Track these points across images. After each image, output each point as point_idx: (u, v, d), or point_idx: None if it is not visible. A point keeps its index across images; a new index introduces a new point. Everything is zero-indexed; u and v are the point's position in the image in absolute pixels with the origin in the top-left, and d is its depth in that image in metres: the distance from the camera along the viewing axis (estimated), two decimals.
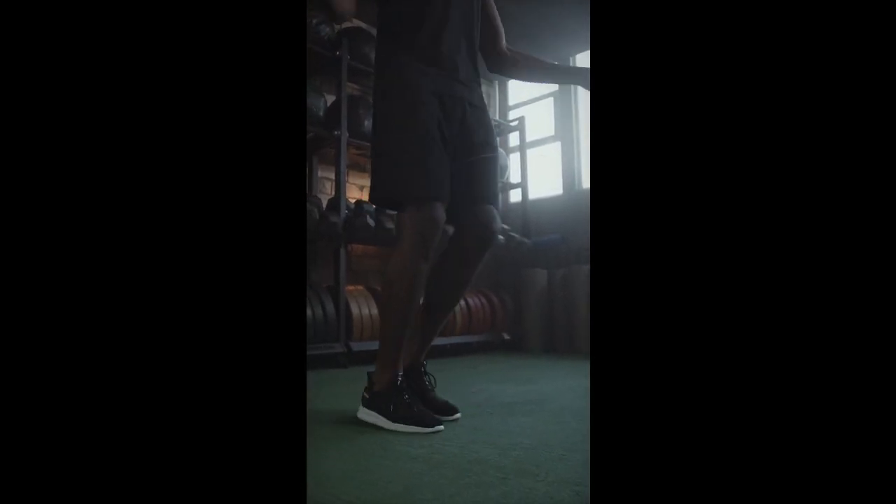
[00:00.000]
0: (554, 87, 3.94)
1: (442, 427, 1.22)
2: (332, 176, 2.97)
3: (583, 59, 3.83)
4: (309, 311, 2.49)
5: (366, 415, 1.30)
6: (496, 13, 1.56)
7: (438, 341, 2.57)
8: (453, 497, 0.78)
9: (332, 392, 1.87)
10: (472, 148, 1.37)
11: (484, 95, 1.48)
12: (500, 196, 1.45)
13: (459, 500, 0.77)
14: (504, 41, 1.57)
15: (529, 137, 3.97)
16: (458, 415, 1.34)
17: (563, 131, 3.89)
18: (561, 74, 1.60)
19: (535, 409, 1.46)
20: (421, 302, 1.38)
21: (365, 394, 1.32)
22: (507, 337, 3.40)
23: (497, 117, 4.09)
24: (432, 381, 1.42)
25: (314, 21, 2.71)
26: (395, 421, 1.24)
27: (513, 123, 3.98)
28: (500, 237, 3.38)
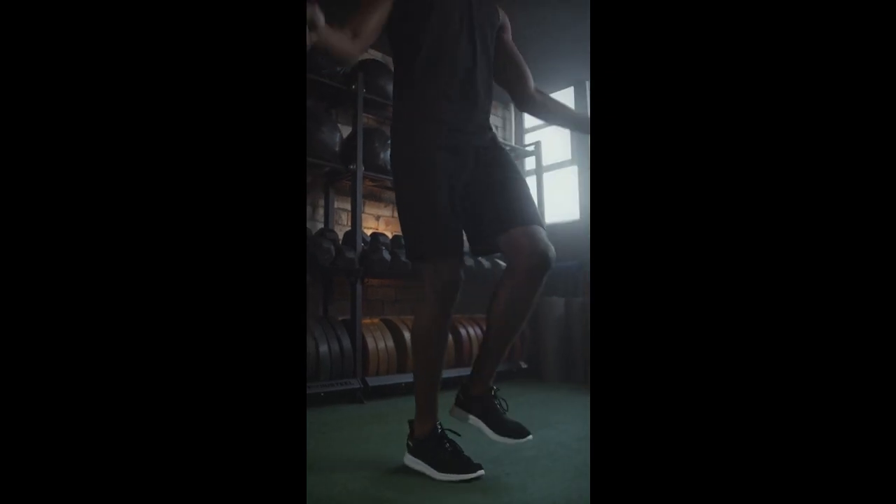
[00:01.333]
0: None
1: (483, 472, 1.30)
2: (349, 206, 2.98)
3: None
4: (325, 348, 2.49)
5: (413, 462, 1.40)
6: (520, 58, 1.58)
7: (452, 373, 2.55)
8: None
9: (348, 438, 1.86)
10: (496, 181, 1.40)
11: (500, 120, 1.51)
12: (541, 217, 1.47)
13: None
14: (532, 83, 1.59)
15: (546, 162, 3.95)
16: (530, 436, 1.39)
17: (580, 155, 3.86)
18: (583, 122, 1.60)
19: (552, 467, 1.43)
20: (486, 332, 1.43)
21: (409, 442, 1.42)
22: (524, 365, 3.37)
23: (513, 142, 4.08)
24: (503, 405, 1.45)
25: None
26: (441, 471, 1.32)
27: (529, 148, 3.97)
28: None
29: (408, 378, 2.61)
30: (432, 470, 1.34)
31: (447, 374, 3.02)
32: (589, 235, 2.51)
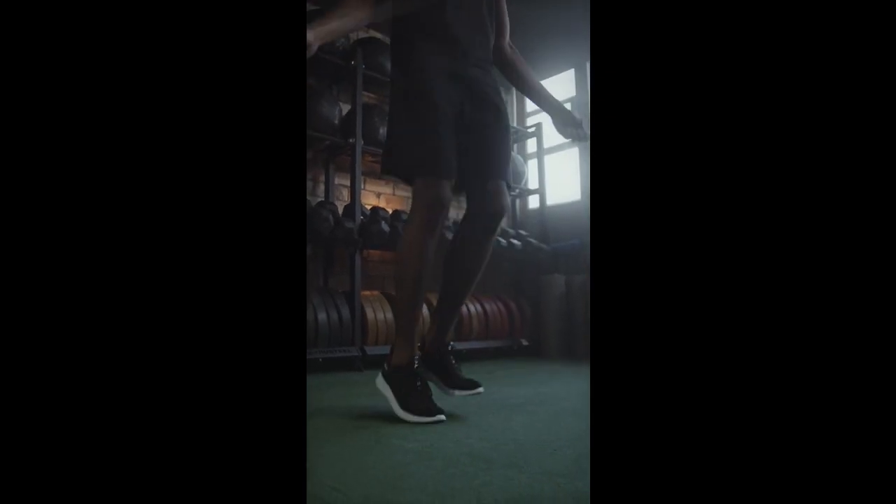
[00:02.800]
0: (572, 92, 3.94)
1: (443, 417, 1.28)
2: (349, 182, 3.02)
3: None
4: (324, 316, 2.53)
5: (382, 386, 1.39)
6: (505, 8, 1.60)
7: (455, 345, 2.57)
8: (435, 486, 0.79)
9: (343, 393, 1.89)
10: (484, 125, 1.42)
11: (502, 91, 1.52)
12: (511, 171, 1.49)
13: (440, 489, 0.78)
14: (507, 38, 1.61)
15: (547, 143, 3.96)
16: (481, 389, 1.43)
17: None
18: (542, 99, 1.62)
19: (537, 409, 1.45)
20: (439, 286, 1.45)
21: (385, 365, 1.43)
22: (525, 343, 3.38)
23: (514, 124, 4.10)
24: (455, 361, 1.49)
25: None
26: (403, 409, 1.32)
27: (530, 129, 3.99)
28: (516, 242, 3.38)
29: None
30: (395, 403, 1.34)
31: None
32: (588, 216, 2.50)
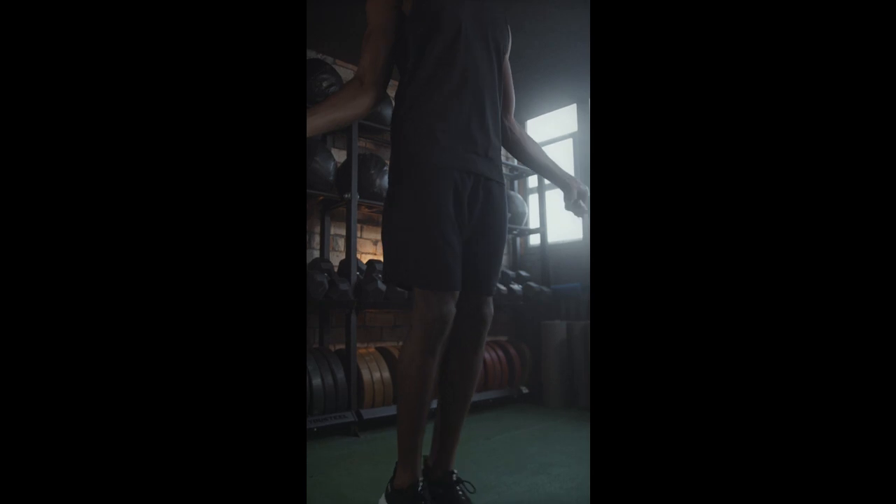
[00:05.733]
0: (573, 127, 3.86)
1: None
2: (344, 232, 2.95)
3: None
4: (318, 381, 2.47)
5: None
6: (511, 83, 1.50)
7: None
8: None
9: (341, 474, 1.83)
10: (481, 233, 1.33)
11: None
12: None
13: None
14: (512, 114, 1.52)
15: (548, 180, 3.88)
16: None
17: (583, 173, 3.80)
18: (552, 174, 1.53)
19: None
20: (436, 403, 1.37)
21: (389, 485, 1.33)
22: (525, 390, 3.32)
23: (515, 161, 4.02)
24: (466, 490, 1.37)
25: (325, 83, 2.70)
26: None
27: None
28: (516, 287, 3.30)
29: None
30: None
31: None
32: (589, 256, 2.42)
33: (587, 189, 1.52)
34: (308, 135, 1.17)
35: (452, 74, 1.28)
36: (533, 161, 1.54)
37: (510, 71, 1.49)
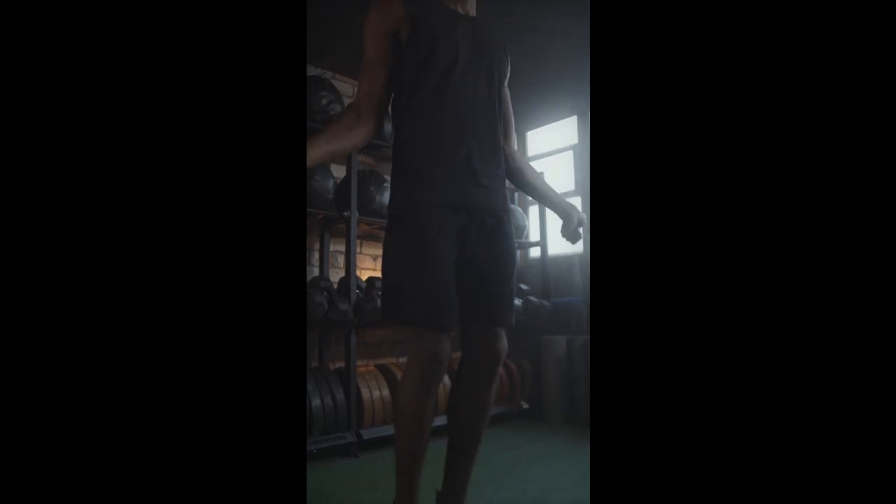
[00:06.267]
0: (573, 139, 3.84)
1: None
2: (344, 248, 2.94)
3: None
4: (318, 401, 2.45)
5: None
6: (510, 109, 1.47)
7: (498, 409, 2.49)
8: None
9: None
10: (486, 260, 1.30)
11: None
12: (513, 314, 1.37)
13: None
14: (512, 140, 1.49)
15: None
16: None
17: (584, 185, 3.78)
18: (552, 203, 1.51)
19: None
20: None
21: None
22: (525, 406, 3.30)
23: None
24: None
25: (324, 101, 2.69)
26: None
27: None
28: (517, 301, 3.29)
29: None
30: None
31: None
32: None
33: (586, 218, 1.50)
34: (308, 164, 1.15)
35: (450, 103, 1.26)
36: (533, 189, 1.52)
37: (509, 97, 1.47)
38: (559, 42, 2.89)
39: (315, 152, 1.17)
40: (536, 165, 4.07)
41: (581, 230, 1.51)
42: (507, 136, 1.46)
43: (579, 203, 3.78)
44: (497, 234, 1.32)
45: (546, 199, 1.52)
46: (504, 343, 1.35)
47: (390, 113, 1.35)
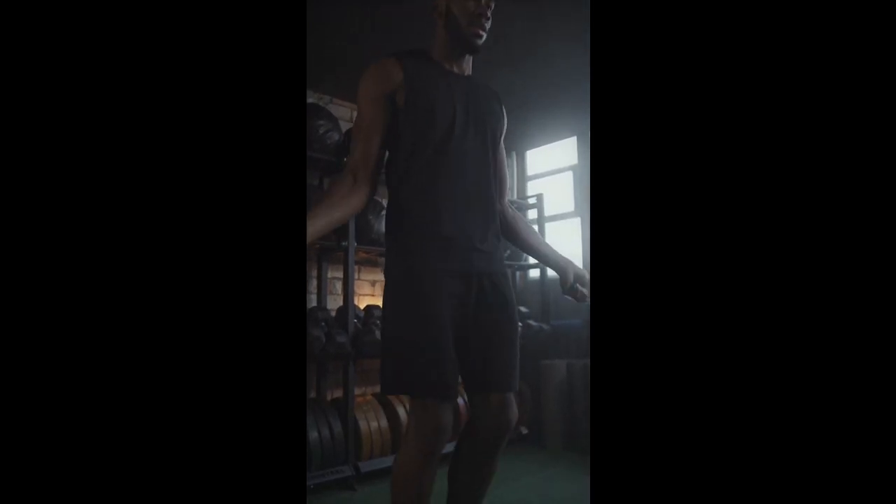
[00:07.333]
0: (573, 160, 3.83)
1: None
2: (341, 275, 2.92)
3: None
4: (315, 434, 2.44)
5: None
6: (504, 167, 1.45)
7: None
8: None
9: None
10: (488, 324, 1.27)
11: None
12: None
13: None
14: (505, 198, 1.47)
15: (548, 213, 3.86)
16: None
17: (583, 207, 3.77)
18: (548, 259, 1.48)
19: None
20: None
21: None
22: (524, 431, 3.28)
23: (515, 194, 3.99)
24: None
25: (321, 129, 2.67)
26: None
27: (531, 200, 3.88)
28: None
29: None
30: None
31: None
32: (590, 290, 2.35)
33: (585, 273, 1.47)
34: (309, 240, 1.13)
35: (447, 170, 1.24)
36: (526, 245, 1.49)
37: (504, 155, 1.46)
38: (559, 62, 2.87)
39: (316, 226, 1.15)
40: (535, 186, 4.06)
41: (583, 288, 1.45)
42: (500, 194, 1.43)
43: (578, 224, 3.77)
44: (497, 298, 1.30)
45: (540, 254, 1.49)
46: (514, 410, 1.30)
47: (384, 174, 1.33)
